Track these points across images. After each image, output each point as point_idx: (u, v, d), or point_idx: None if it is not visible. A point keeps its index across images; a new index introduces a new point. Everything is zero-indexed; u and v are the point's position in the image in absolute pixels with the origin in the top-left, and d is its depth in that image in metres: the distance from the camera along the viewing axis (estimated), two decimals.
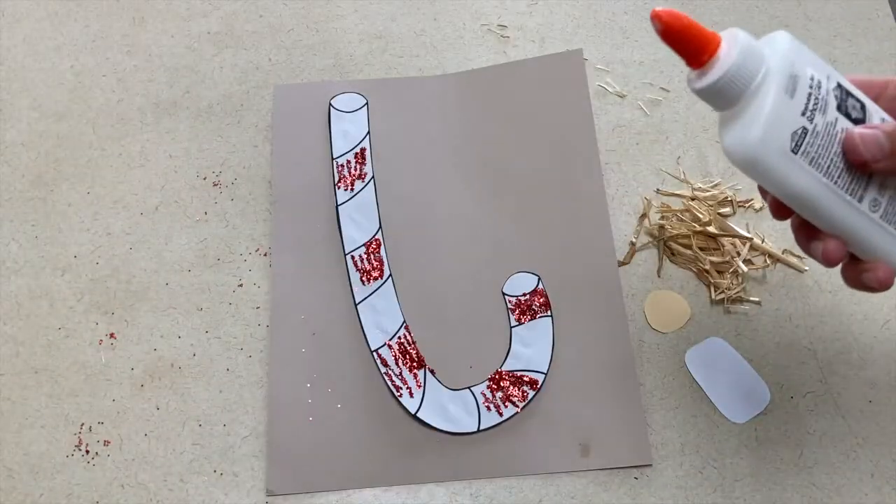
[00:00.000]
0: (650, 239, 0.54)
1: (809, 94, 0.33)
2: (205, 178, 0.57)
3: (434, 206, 0.56)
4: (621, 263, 0.53)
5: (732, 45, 0.33)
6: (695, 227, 0.53)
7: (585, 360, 0.50)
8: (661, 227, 0.54)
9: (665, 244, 0.53)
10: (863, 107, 0.34)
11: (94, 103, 0.60)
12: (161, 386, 0.50)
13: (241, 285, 0.53)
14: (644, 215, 0.55)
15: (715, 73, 0.33)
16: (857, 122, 0.34)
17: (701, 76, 0.33)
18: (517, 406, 0.49)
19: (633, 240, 0.54)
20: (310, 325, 0.52)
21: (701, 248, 0.53)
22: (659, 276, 0.53)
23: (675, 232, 0.53)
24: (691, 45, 0.34)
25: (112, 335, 0.52)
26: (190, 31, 0.63)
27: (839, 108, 0.34)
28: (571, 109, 0.58)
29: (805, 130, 0.33)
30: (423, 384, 0.50)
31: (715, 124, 0.58)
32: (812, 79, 0.33)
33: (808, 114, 0.33)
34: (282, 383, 0.50)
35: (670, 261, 0.53)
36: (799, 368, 0.50)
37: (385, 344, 0.51)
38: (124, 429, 0.49)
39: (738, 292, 0.51)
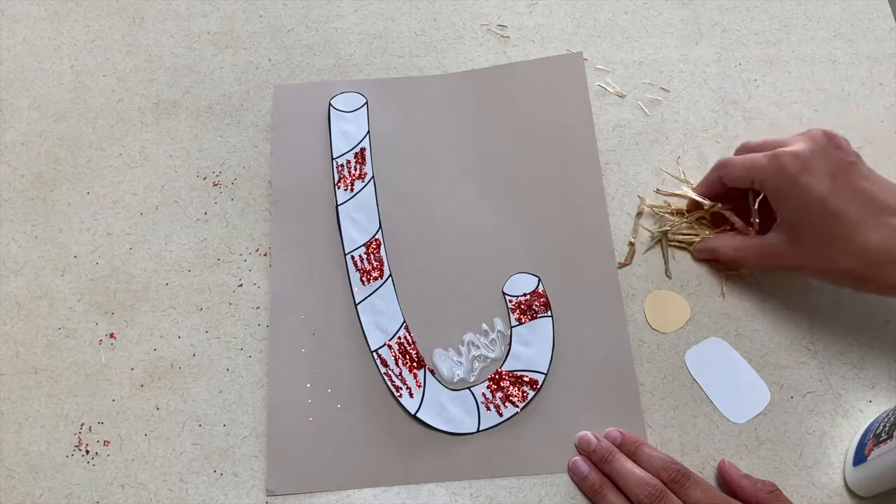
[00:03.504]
0: (651, 234, 0.54)
1: None
2: (205, 178, 0.57)
3: (434, 206, 0.56)
4: (622, 265, 0.53)
5: None
6: (695, 212, 0.54)
7: (585, 360, 0.50)
8: (661, 219, 0.54)
9: (666, 236, 0.54)
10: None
11: (94, 103, 0.60)
12: (161, 386, 0.50)
13: (241, 285, 0.53)
14: (640, 213, 0.55)
15: None
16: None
17: None
18: (517, 406, 0.49)
19: (632, 239, 0.54)
20: (310, 325, 0.52)
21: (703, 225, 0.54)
22: (668, 276, 0.53)
23: (673, 219, 0.54)
24: None
25: (112, 335, 0.52)
26: (190, 31, 0.63)
27: None
28: (571, 110, 0.58)
29: None
30: (422, 384, 0.50)
31: (714, 124, 0.58)
32: None
33: None
34: (282, 383, 0.50)
35: (674, 245, 0.54)
36: (799, 368, 0.50)
37: (385, 344, 0.51)
38: (124, 429, 0.49)
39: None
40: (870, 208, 0.45)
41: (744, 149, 0.52)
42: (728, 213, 0.52)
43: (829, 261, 0.46)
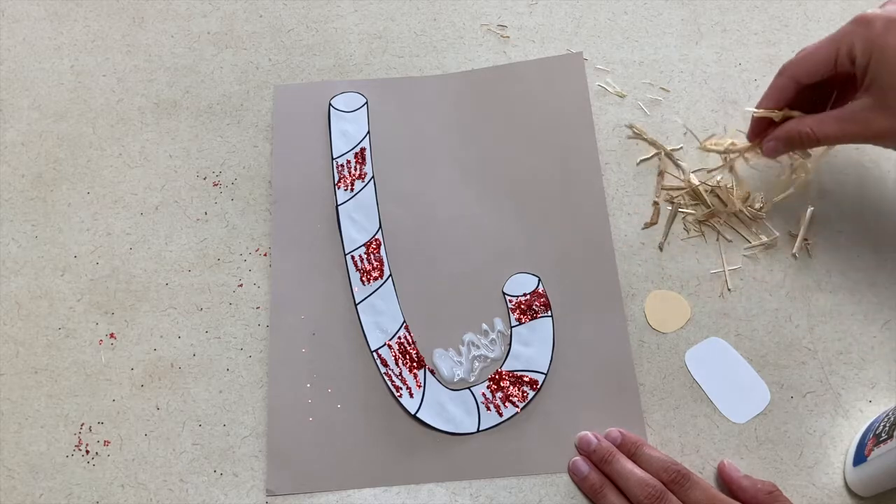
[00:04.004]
0: (666, 194, 0.55)
1: None
2: (205, 178, 0.57)
3: (434, 206, 0.56)
4: (648, 224, 0.54)
5: None
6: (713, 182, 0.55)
7: (585, 360, 0.50)
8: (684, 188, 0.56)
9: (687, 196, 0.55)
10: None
11: (94, 103, 0.60)
12: (161, 386, 0.50)
13: (241, 285, 0.53)
14: (661, 173, 0.55)
15: None
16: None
17: None
18: (517, 406, 0.49)
19: (656, 199, 0.55)
20: (310, 325, 0.52)
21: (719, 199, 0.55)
22: (661, 250, 0.53)
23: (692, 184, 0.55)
24: None
25: (112, 335, 0.52)
26: (190, 31, 0.63)
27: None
28: (571, 110, 0.58)
29: None
30: (422, 384, 0.50)
31: (715, 124, 0.58)
32: None
33: None
34: (282, 383, 0.50)
35: (686, 225, 0.55)
36: (799, 368, 0.50)
37: (385, 344, 0.51)
38: (124, 429, 0.49)
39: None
40: None
41: (804, 51, 0.49)
42: (799, 114, 0.50)
43: None
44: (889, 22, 0.44)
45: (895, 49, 0.44)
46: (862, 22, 0.45)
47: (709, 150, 0.54)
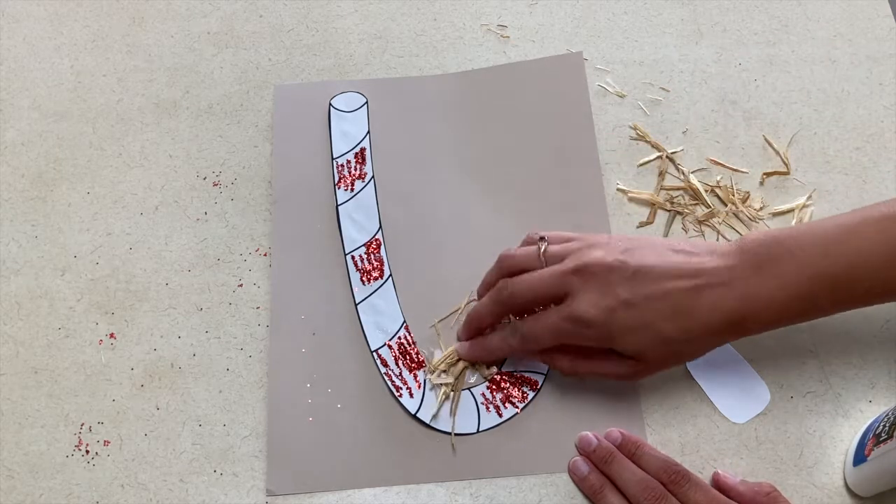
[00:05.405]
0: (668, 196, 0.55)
1: None
2: (205, 178, 0.57)
3: (434, 205, 0.56)
4: (643, 224, 0.54)
5: None
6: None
7: None
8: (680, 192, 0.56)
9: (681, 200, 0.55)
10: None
11: (94, 103, 0.60)
12: (161, 386, 0.50)
13: (241, 285, 0.53)
14: (662, 174, 0.55)
15: None
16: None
17: None
18: (517, 406, 0.49)
19: (652, 200, 0.55)
20: (310, 325, 0.52)
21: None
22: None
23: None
24: None
25: (112, 335, 0.52)
26: (190, 31, 0.63)
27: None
28: (571, 110, 0.58)
29: None
30: (422, 384, 0.50)
31: (714, 124, 0.58)
32: None
33: None
34: (282, 383, 0.50)
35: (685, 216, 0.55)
36: (799, 368, 0.50)
37: (385, 344, 0.51)
38: (124, 429, 0.49)
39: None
40: (676, 302, 0.44)
41: (505, 266, 0.49)
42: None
43: (680, 355, 0.47)
44: (604, 315, 0.45)
45: (626, 333, 0.45)
46: (582, 328, 0.46)
47: (439, 376, 0.50)
